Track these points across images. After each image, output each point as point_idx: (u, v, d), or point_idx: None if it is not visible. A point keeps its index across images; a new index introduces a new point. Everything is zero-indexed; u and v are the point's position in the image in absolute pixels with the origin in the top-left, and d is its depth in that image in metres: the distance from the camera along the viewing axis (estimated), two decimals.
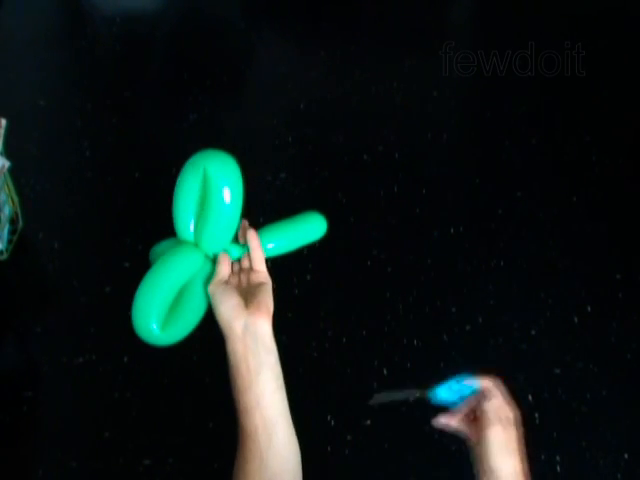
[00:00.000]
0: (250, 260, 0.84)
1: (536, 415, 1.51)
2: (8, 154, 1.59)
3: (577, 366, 1.60)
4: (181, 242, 0.85)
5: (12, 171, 1.64)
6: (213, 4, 2.69)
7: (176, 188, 0.84)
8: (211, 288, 0.79)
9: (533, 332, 1.66)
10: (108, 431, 1.45)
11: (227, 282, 0.81)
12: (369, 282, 1.76)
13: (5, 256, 1.70)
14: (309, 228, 0.97)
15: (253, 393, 0.74)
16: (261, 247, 0.85)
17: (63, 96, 2.26)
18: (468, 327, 1.66)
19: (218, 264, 0.82)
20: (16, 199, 1.72)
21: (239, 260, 0.86)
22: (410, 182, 1.99)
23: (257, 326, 0.75)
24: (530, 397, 1.54)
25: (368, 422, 1.48)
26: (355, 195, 1.95)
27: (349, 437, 1.46)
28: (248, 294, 0.79)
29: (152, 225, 1.86)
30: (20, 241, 1.75)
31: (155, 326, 0.78)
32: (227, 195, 0.81)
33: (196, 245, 0.84)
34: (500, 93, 2.30)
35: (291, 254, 1.96)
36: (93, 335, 1.61)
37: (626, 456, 1.45)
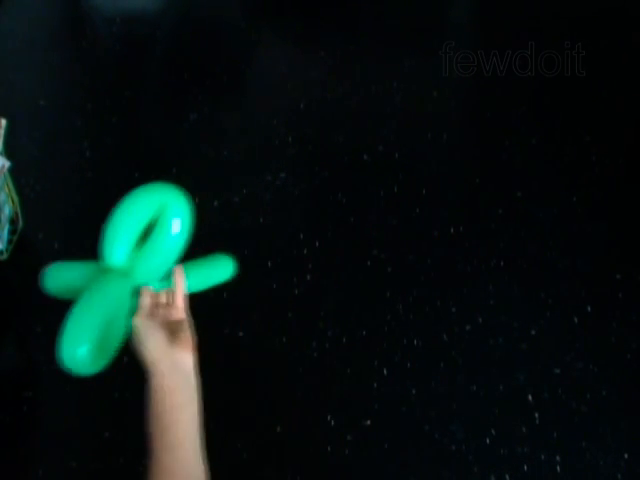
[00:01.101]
0: (170, 295, 0.84)
1: (536, 415, 1.51)
2: (8, 154, 1.59)
3: (577, 366, 1.60)
4: (100, 270, 0.82)
5: (12, 171, 1.64)
6: (213, 4, 2.69)
7: (117, 215, 0.81)
8: (136, 322, 0.79)
9: (533, 332, 1.66)
10: (108, 431, 1.45)
11: (151, 316, 0.80)
12: (369, 282, 1.76)
13: (5, 256, 1.70)
14: (220, 269, 0.98)
15: (177, 430, 0.73)
16: (184, 285, 0.85)
17: (63, 96, 2.26)
18: (468, 327, 1.66)
19: (142, 297, 0.81)
20: (16, 199, 1.72)
21: (158, 292, 0.85)
22: (410, 182, 1.99)
23: (182, 362, 0.76)
24: (530, 397, 1.53)
25: (368, 422, 1.48)
26: (355, 195, 1.95)
27: (349, 437, 1.46)
28: (169, 330, 0.79)
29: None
30: (20, 241, 1.75)
31: (86, 359, 0.77)
32: (177, 229, 0.80)
33: (124, 274, 0.82)
34: (500, 93, 2.30)
35: (291, 254, 1.97)
36: None
37: (626, 456, 1.45)
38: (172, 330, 0.79)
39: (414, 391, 1.54)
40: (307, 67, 2.37)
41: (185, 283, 0.85)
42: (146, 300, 0.81)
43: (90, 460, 1.43)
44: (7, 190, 1.67)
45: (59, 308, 1.78)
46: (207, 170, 2.01)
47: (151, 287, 0.83)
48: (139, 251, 0.81)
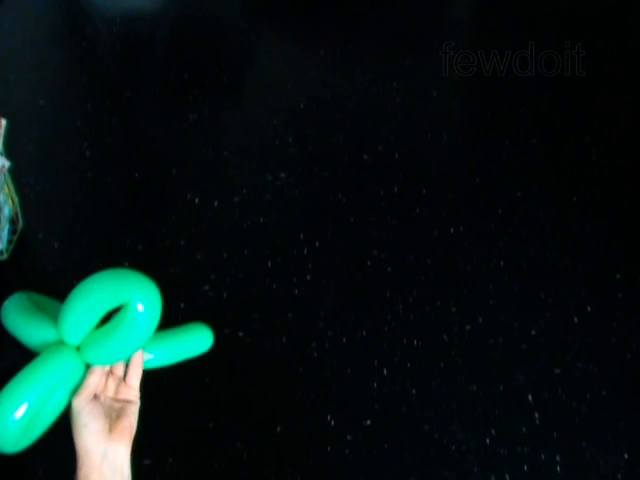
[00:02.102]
0: (125, 370, 0.78)
1: (536, 415, 1.51)
2: (8, 154, 1.59)
3: (577, 366, 1.60)
4: (54, 335, 0.77)
5: (12, 171, 1.64)
6: (213, 4, 2.69)
7: (83, 292, 0.74)
8: (78, 403, 0.73)
9: (533, 332, 1.66)
10: None
11: (95, 396, 0.74)
12: (369, 282, 1.76)
13: (5, 256, 1.70)
14: (194, 341, 0.90)
15: None
16: (142, 364, 0.79)
17: (63, 96, 2.26)
18: (468, 327, 1.66)
19: (91, 375, 0.75)
20: (16, 199, 1.72)
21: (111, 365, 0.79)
22: (410, 182, 2.00)
23: (117, 455, 0.71)
24: (530, 397, 1.53)
25: (368, 422, 1.48)
26: (355, 195, 1.95)
27: (349, 437, 1.46)
28: (112, 412, 0.74)
29: (152, 225, 1.86)
30: (20, 241, 1.75)
31: (15, 434, 0.71)
32: (145, 325, 0.74)
33: (77, 349, 0.76)
34: (500, 93, 2.30)
35: (291, 254, 1.97)
36: None
37: (626, 456, 1.45)
38: (116, 414, 0.73)
39: (414, 391, 1.54)
40: (307, 67, 2.37)
41: (143, 361, 0.79)
42: (93, 379, 0.74)
43: None
44: (7, 190, 1.67)
45: None
46: (207, 170, 2.01)
47: (101, 366, 0.76)
48: (97, 332, 0.75)
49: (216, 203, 1.88)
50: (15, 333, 0.83)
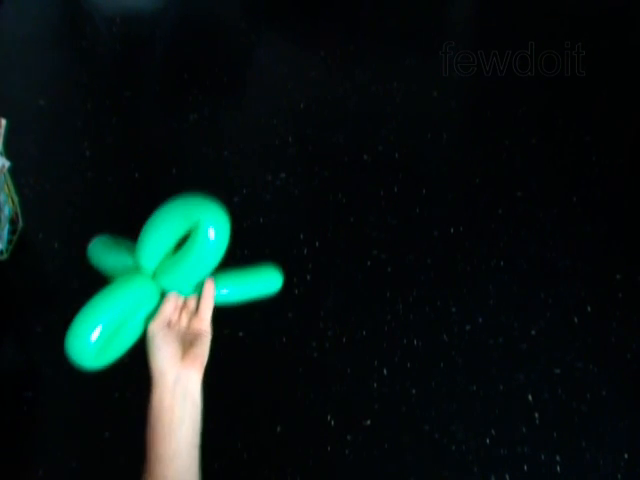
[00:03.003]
0: (198, 303, 0.81)
1: (536, 415, 1.51)
2: (8, 154, 1.59)
3: (577, 366, 1.60)
4: (133, 264, 0.81)
5: (12, 171, 1.64)
6: (213, 4, 2.69)
7: (157, 218, 0.79)
8: (153, 328, 0.76)
9: (533, 332, 1.66)
10: (108, 431, 1.45)
11: (169, 324, 0.78)
12: (369, 282, 1.76)
13: (5, 256, 1.70)
14: (265, 281, 0.93)
15: (171, 444, 0.73)
16: (214, 296, 0.82)
17: (63, 96, 2.26)
18: (468, 327, 1.66)
19: (166, 302, 0.79)
20: (16, 199, 1.72)
21: (185, 297, 0.82)
22: (410, 182, 2.00)
23: (189, 380, 0.74)
24: (530, 397, 1.54)
25: (368, 422, 1.48)
26: (355, 195, 1.95)
27: (349, 437, 1.46)
28: (185, 341, 0.77)
29: None
30: (20, 241, 1.75)
31: (91, 354, 0.75)
32: (214, 246, 0.77)
33: (153, 276, 0.80)
34: (500, 93, 2.30)
35: (291, 254, 1.97)
36: None
37: (626, 456, 1.45)
38: (188, 342, 0.77)
39: (414, 391, 1.54)
40: (307, 67, 2.37)
41: (214, 294, 0.81)
42: (168, 307, 0.78)
43: (90, 460, 1.43)
44: (7, 190, 1.67)
45: (59, 308, 1.78)
46: (207, 170, 2.01)
47: (177, 294, 0.80)
48: (171, 258, 0.79)
49: None
50: (98, 266, 0.87)
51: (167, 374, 0.73)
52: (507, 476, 1.42)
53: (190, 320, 0.80)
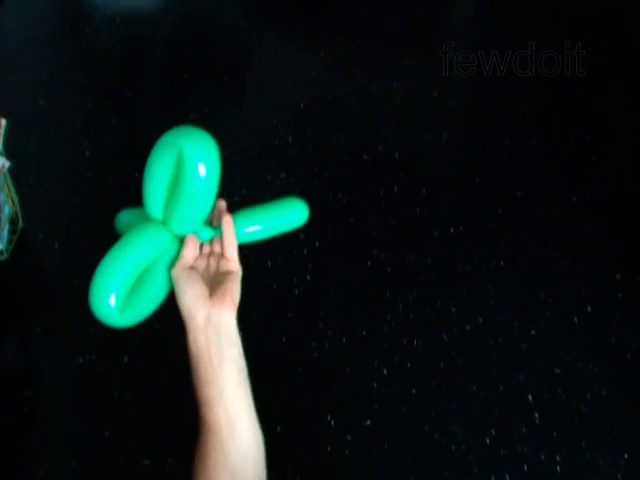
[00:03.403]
0: (221, 245, 0.79)
1: (536, 415, 1.51)
2: (8, 154, 1.59)
3: (577, 366, 1.60)
4: (148, 218, 0.80)
5: (12, 171, 1.64)
6: (213, 4, 2.69)
7: (148, 164, 0.77)
8: (175, 272, 0.75)
9: (533, 332, 1.66)
10: (108, 431, 1.45)
11: (192, 267, 0.76)
12: (369, 282, 1.76)
13: (5, 256, 1.70)
14: (289, 215, 0.89)
15: (215, 386, 0.71)
16: (234, 233, 0.79)
17: (63, 96, 2.26)
18: (468, 327, 1.66)
19: (184, 246, 0.77)
20: (16, 199, 1.72)
21: (210, 242, 0.81)
22: (410, 182, 2.00)
23: (220, 318, 0.71)
24: (530, 397, 1.54)
25: (368, 422, 1.48)
26: (355, 195, 1.95)
27: (349, 437, 1.46)
28: (214, 282, 0.75)
29: None
30: (20, 241, 1.75)
31: (114, 306, 0.73)
32: (202, 171, 0.74)
33: (164, 224, 0.79)
34: (500, 93, 2.30)
35: (291, 254, 1.97)
36: (93, 335, 1.61)
37: (626, 456, 1.45)
38: (217, 283, 0.75)
39: (414, 391, 1.54)
40: (307, 67, 2.37)
41: (234, 231, 0.79)
42: (187, 250, 0.77)
43: (90, 460, 1.43)
44: (7, 190, 1.67)
45: (59, 308, 1.78)
46: None
47: (195, 236, 0.78)
48: (171, 200, 0.77)
49: None
50: (123, 234, 0.84)
51: (196, 315, 0.71)
52: (507, 476, 1.41)
53: (218, 264, 0.79)
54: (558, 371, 1.59)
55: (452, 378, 1.57)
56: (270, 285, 1.72)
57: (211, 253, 0.80)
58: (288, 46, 2.52)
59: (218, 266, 0.78)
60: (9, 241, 1.72)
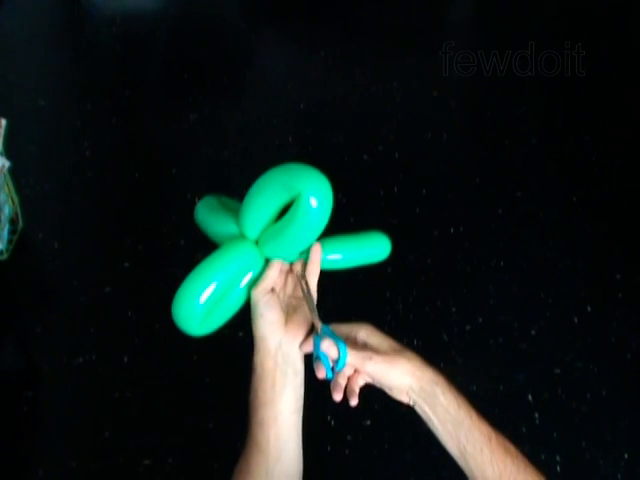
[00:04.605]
0: (302, 267, 0.80)
1: (536, 415, 1.51)
2: (8, 154, 1.59)
3: (577, 366, 1.60)
4: (237, 229, 0.80)
5: (12, 171, 1.64)
6: (213, 4, 2.70)
7: (259, 187, 0.77)
8: (256, 294, 0.75)
9: (533, 332, 1.66)
10: (108, 431, 1.45)
11: (273, 288, 0.77)
12: (369, 282, 1.76)
13: (5, 256, 1.70)
14: (372, 248, 0.91)
15: (273, 409, 0.73)
16: (320, 261, 0.81)
17: (63, 96, 2.27)
18: (468, 327, 1.66)
19: (269, 269, 0.77)
20: (16, 199, 1.72)
21: (291, 263, 0.81)
22: (410, 182, 1.99)
23: (291, 347, 0.74)
24: (530, 397, 1.53)
25: (368, 422, 1.48)
26: (355, 195, 1.95)
27: (349, 437, 1.46)
28: (289, 306, 0.77)
29: (152, 225, 1.86)
30: (20, 241, 1.75)
31: (197, 316, 0.75)
32: (317, 213, 0.77)
33: (256, 243, 0.79)
34: (500, 93, 2.30)
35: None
36: (93, 335, 1.61)
37: (626, 456, 1.45)
38: (292, 309, 0.76)
39: None
40: (307, 67, 2.38)
41: (320, 259, 0.80)
42: (271, 273, 0.76)
43: (90, 460, 1.43)
44: (7, 190, 1.67)
45: (59, 308, 1.78)
46: (207, 170, 2.01)
47: (281, 261, 0.78)
48: (274, 226, 0.78)
49: None
50: (204, 229, 0.86)
51: (269, 340, 0.73)
52: None
53: (296, 285, 0.79)
54: (558, 371, 1.59)
55: (452, 378, 1.56)
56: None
57: (290, 272, 0.81)
58: (288, 46, 2.52)
59: (295, 289, 0.79)
60: (9, 241, 1.72)
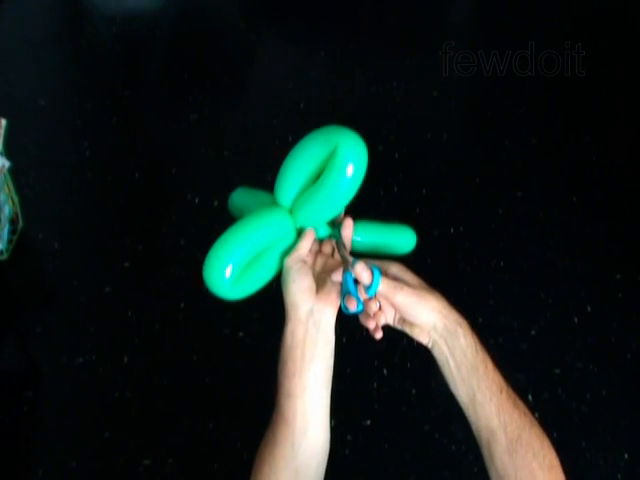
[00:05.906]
0: (334, 246, 0.80)
1: (536, 415, 1.50)
2: (8, 154, 1.59)
3: (577, 366, 1.60)
4: (268, 202, 0.81)
5: (12, 171, 1.64)
6: (213, 4, 2.69)
7: (295, 152, 0.79)
8: (288, 262, 0.76)
9: (533, 332, 1.66)
10: (108, 431, 1.45)
11: (304, 260, 0.78)
12: None
13: (5, 256, 1.70)
14: (398, 239, 0.95)
15: (301, 380, 0.73)
16: (351, 237, 0.82)
17: (63, 96, 2.26)
18: None
19: (303, 239, 0.78)
20: (16, 199, 1.72)
21: (321, 241, 0.82)
22: (410, 182, 1.99)
23: (323, 314, 0.74)
24: (530, 397, 1.53)
25: (368, 422, 1.48)
26: (355, 195, 1.95)
27: (349, 437, 1.46)
28: (320, 279, 0.77)
29: (152, 225, 1.86)
30: (20, 241, 1.75)
31: (228, 278, 0.75)
32: (350, 172, 0.77)
33: (290, 212, 0.80)
34: (500, 93, 2.30)
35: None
36: (93, 335, 1.61)
37: (626, 456, 1.45)
38: (324, 280, 0.76)
39: (414, 391, 1.54)
40: (307, 67, 2.37)
41: (351, 239, 0.81)
42: (305, 243, 0.78)
43: (90, 460, 1.43)
44: (7, 190, 1.67)
45: (59, 308, 1.78)
46: (207, 170, 2.01)
47: (315, 231, 0.80)
48: (307, 192, 0.78)
49: (216, 203, 1.88)
50: (238, 213, 0.87)
51: (300, 307, 0.73)
52: None
53: (325, 263, 0.80)
54: (558, 371, 1.59)
55: None
56: (270, 285, 1.71)
57: (319, 252, 0.82)
58: (288, 46, 2.52)
59: (325, 265, 0.80)
60: (9, 241, 1.72)
